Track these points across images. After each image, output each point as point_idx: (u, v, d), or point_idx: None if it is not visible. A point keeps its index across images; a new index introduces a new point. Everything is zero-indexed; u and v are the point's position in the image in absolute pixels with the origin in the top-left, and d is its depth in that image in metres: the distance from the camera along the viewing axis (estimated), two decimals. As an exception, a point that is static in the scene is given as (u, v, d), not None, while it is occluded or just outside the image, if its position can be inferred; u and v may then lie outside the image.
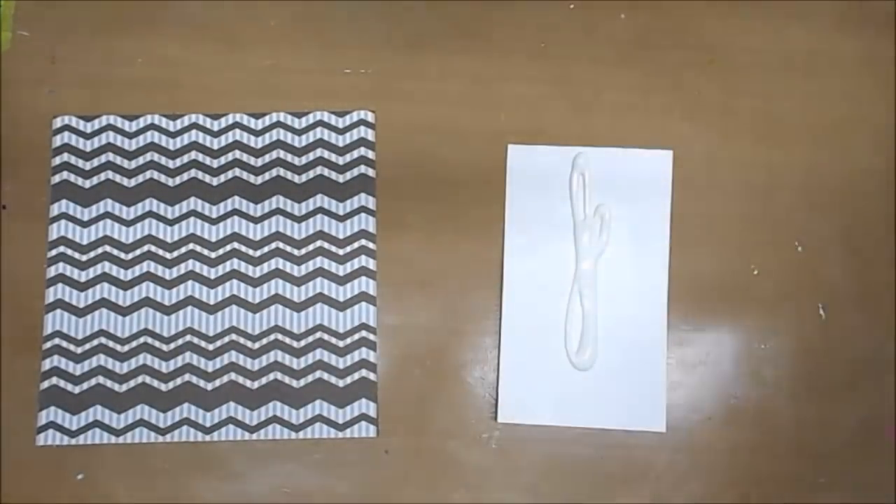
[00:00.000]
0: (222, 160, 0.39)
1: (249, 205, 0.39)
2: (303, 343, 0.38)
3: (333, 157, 0.39)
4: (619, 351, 0.38)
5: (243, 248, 0.39)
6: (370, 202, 0.39)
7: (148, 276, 0.38)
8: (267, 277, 0.38)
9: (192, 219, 0.39)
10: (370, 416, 0.37)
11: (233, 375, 0.38)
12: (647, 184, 0.39)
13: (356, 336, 0.38)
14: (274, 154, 0.39)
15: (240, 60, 0.40)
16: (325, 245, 0.39)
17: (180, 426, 0.37)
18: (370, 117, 0.40)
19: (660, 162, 0.39)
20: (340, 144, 0.39)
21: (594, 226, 0.39)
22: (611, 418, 0.37)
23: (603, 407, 0.38)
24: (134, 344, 0.38)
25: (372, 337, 0.38)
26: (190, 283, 0.38)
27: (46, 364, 0.37)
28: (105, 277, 0.38)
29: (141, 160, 0.39)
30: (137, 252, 0.38)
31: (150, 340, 0.38)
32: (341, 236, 0.39)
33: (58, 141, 0.39)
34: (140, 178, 0.39)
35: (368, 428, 0.37)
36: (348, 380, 0.38)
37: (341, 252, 0.39)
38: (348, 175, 0.39)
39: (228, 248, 0.39)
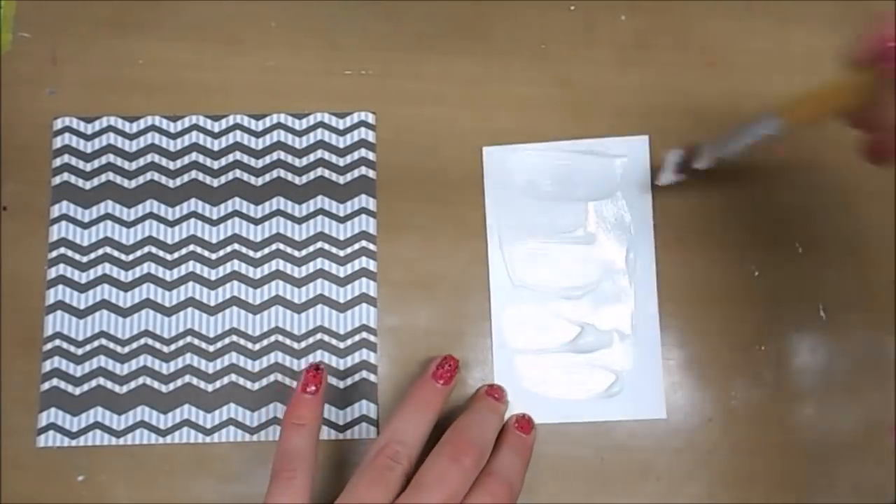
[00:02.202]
0: (223, 161, 0.39)
1: (250, 206, 0.39)
2: (303, 344, 0.38)
3: (334, 159, 0.39)
4: (613, 344, 0.38)
5: (244, 250, 0.39)
6: (371, 203, 0.39)
7: (148, 278, 0.38)
8: (267, 279, 0.38)
9: (192, 220, 0.39)
10: (371, 418, 0.37)
11: (233, 377, 0.38)
12: (627, 173, 0.39)
13: (357, 337, 0.38)
14: (274, 155, 0.39)
15: (240, 62, 0.40)
16: (326, 246, 0.39)
17: (181, 427, 0.37)
18: (371, 118, 0.40)
19: (636, 148, 0.39)
20: (341, 146, 0.39)
21: (577, 221, 0.39)
22: (609, 411, 0.37)
23: (600, 401, 0.38)
24: (134, 345, 0.38)
25: (373, 338, 0.38)
26: (190, 284, 0.38)
27: (47, 365, 0.37)
28: (105, 279, 0.38)
29: (141, 161, 0.39)
30: (138, 253, 0.38)
31: (150, 342, 0.38)
32: (342, 238, 0.39)
33: (58, 142, 0.39)
34: (140, 180, 0.39)
35: (369, 429, 0.37)
36: (349, 381, 0.38)
37: (342, 253, 0.39)
38: (349, 176, 0.39)
39: (229, 249, 0.39)
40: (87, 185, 0.39)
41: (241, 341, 0.38)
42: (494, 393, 0.36)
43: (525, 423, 0.36)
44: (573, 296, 0.38)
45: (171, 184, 0.39)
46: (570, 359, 0.38)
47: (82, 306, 0.38)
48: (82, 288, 0.38)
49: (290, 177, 0.39)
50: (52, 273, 0.38)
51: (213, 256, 0.39)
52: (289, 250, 0.39)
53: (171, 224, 0.39)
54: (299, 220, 0.39)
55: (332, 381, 0.38)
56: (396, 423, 0.33)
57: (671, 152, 0.37)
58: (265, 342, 0.38)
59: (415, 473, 0.31)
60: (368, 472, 0.31)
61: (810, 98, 0.30)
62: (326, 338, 0.38)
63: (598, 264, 0.39)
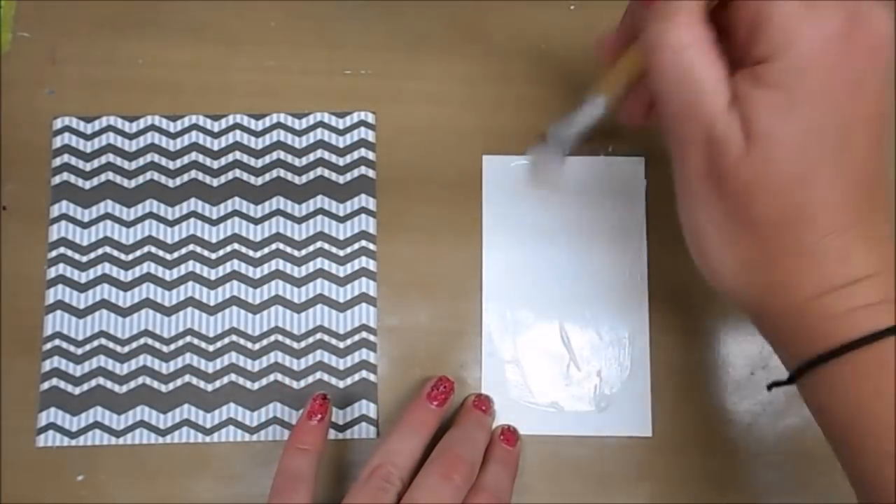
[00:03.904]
0: (223, 161, 0.39)
1: (250, 206, 0.39)
2: (303, 344, 0.38)
3: (334, 158, 0.39)
4: (603, 358, 0.38)
5: (243, 250, 0.39)
6: (371, 203, 0.39)
7: (148, 277, 0.38)
8: (267, 278, 0.38)
9: (192, 220, 0.39)
10: (371, 418, 0.37)
11: (233, 377, 0.38)
12: (622, 190, 0.39)
13: (356, 337, 0.38)
14: (274, 155, 0.39)
15: (240, 61, 0.40)
16: (326, 246, 0.39)
17: (180, 427, 0.37)
18: (370, 118, 0.40)
19: (633, 168, 0.39)
20: (341, 145, 0.39)
21: (571, 233, 0.39)
22: (595, 426, 0.37)
23: (587, 416, 0.37)
24: (134, 345, 0.38)
25: (372, 338, 0.38)
26: (190, 284, 0.38)
27: (46, 365, 0.37)
28: (105, 278, 0.38)
29: (141, 161, 0.39)
30: (138, 253, 0.38)
31: (150, 342, 0.38)
32: (342, 237, 0.39)
33: (58, 142, 0.39)
34: (140, 180, 0.39)
35: (369, 429, 0.37)
36: (348, 381, 0.38)
37: (342, 253, 0.39)
38: (349, 176, 0.39)
39: (229, 249, 0.39)
40: (87, 185, 0.39)
41: (241, 341, 0.38)
42: (482, 405, 0.36)
43: (510, 435, 0.36)
44: (564, 308, 0.38)
45: (170, 183, 0.39)
46: (559, 371, 0.38)
47: (82, 306, 0.38)
48: (82, 288, 0.38)
49: (289, 176, 0.39)
50: (52, 273, 0.38)
51: (213, 256, 0.38)
52: (289, 250, 0.39)
53: (171, 224, 0.39)
54: (299, 220, 0.39)
55: (332, 381, 0.38)
56: (390, 444, 0.33)
57: (532, 153, 0.39)
58: (265, 342, 0.38)
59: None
60: (362, 493, 0.31)
61: (614, 69, 0.32)
62: (326, 337, 0.38)
63: (590, 278, 0.38)
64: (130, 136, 0.39)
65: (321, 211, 0.39)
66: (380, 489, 0.31)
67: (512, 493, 0.34)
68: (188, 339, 0.38)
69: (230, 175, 0.39)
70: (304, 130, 0.40)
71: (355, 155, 0.39)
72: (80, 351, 0.38)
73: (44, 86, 0.40)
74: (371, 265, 0.39)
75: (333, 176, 0.39)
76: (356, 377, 0.38)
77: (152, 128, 0.39)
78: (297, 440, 0.33)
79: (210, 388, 0.37)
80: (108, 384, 0.37)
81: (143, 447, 0.37)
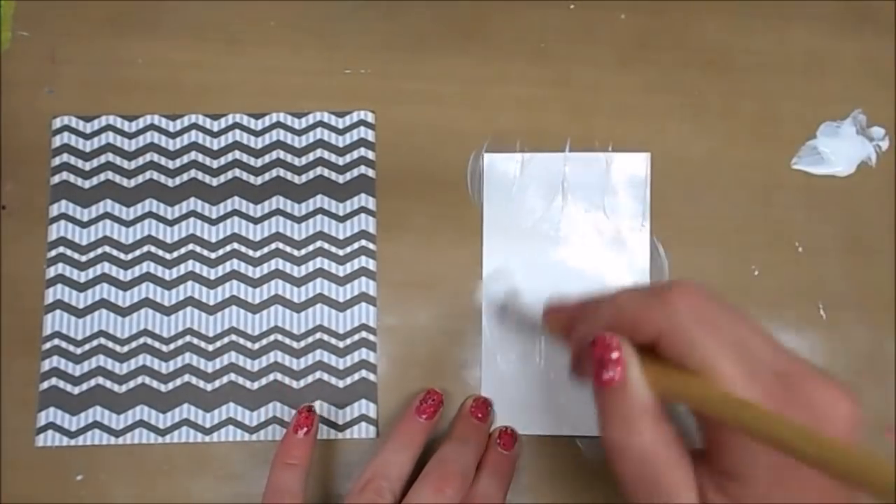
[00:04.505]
0: (222, 160, 0.39)
1: (249, 205, 0.39)
2: (303, 344, 0.38)
3: (333, 158, 0.39)
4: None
5: (243, 249, 0.39)
6: (370, 203, 0.39)
7: (148, 277, 0.38)
8: (267, 278, 0.38)
9: (191, 219, 0.39)
10: (370, 418, 0.37)
11: (232, 376, 0.38)
12: (624, 188, 0.39)
13: (356, 337, 0.38)
14: (274, 154, 0.39)
15: (240, 61, 0.40)
16: (325, 246, 0.39)
17: (180, 427, 0.37)
18: (370, 118, 0.40)
19: (635, 165, 0.39)
20: (340, 145, 0.39)
21: (572, 231, 0.39)
22: (594, 427, 0.37)
23: (587, 416, 0.37)
24: (133, 345, 0.38)
25: (372, 338, 0.38)
26: (190, 283, 0.38)
27: (46, 365, 0.37)
28: (105, 278, 0.38)
29: (141, 161, 0.39)
30: (137, 252, 0.38)
31: (149, 341, 0.38)
32: (341, 237, 0.39)
33: (57, 141, 0.39)
34: (140, 179, 0.39)
35: (368, 429, 0.37)
36: (348, 380, 0.38)
37: (341, 253, 0.39)
38: (348, 175, 0.39)
39: (228, 248, 0.39)
40: (87, 184, 0.39)
41: (241, 340, 0.38)
42: (479, 412, 0.36)
43: (508, 438, 0.36)
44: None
45: (170, 183, 0.39)
46: (559, 371, 0.38)
47: (81, 305, 0.38)
48: (81, 287, 0.38)
49: (289, 176, 0.39)
50: (51, 272, 0.38)
51: (213, 255, 0.38)
52: (288, 249, 0.39)
53: (171, 223, 0.39)
54: (299, 220, 0.39)
55: (332, 380, 0.38)
56: (381, 458, 0.33)
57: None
58: (264, 341, 0.38)
59: None
60: None
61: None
62: (326, 337, 0.38)
63: (592, 276, 0.38)
64: (130, 136, 0.39)
65: (321, 210, 0.39)
66: (372, 503, 0.31)
67: (506, 498, 0.34)
68: (188, 338, 0.38)
69: (230, 174, 0.39)
70: (304, 130, 0.40)
71: (355, 154, 0.39)
72: (79, 350, 0.38)
73: (44, 85, 0.40)
74: (371, 265, 0.39)
75: (333, 175, 0.39)
76: (356, 377, 0.38)
77: (152, 127, 0.39)
78: (285, 455, 0.33)
79: (210, 387, 0.37)
80: (108, 384, 0.37)
81: (142, 447, 0.37)
